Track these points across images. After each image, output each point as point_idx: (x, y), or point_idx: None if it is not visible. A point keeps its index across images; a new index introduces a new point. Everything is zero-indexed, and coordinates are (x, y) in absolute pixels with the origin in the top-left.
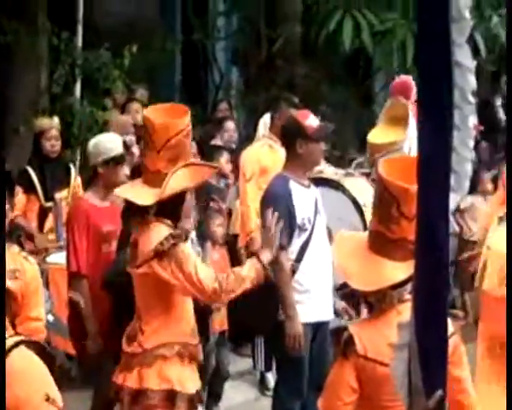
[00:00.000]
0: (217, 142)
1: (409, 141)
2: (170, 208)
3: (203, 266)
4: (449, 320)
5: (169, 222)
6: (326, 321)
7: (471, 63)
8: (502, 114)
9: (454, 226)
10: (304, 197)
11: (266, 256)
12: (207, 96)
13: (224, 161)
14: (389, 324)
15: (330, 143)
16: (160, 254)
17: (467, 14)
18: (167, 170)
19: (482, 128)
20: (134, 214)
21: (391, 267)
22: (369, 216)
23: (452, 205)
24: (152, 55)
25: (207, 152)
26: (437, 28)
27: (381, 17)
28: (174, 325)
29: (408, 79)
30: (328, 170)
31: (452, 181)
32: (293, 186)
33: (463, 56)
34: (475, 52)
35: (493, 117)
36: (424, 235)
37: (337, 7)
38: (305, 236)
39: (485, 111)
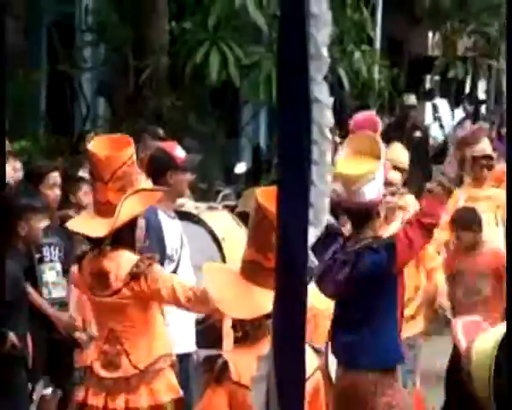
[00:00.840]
0: (84, 173)
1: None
2: (124, 235)
3: (179, 280)
4: (314, 356)
5: (127, 248)
6: (188, 353)
7: (328, 100)
8: None
9: (313, 259)
10: (171, 228)
11: None
12: (74, 127)
13: (81, 193)
14: (262, 352)
15: (197, 174)
16: (137, 276)
17: (324, 52)
18: (117, 200)
19: None
20: (92, 246)
21: (266, 296)
22: (227, 250)
23: (311, 238)
24: (17, 86)
25: (69, 183)
26: (296, 65)
27: (247, 50)
28: (158, 339)
29: (372, 114)
30: (189, 204)
31: (311, 215)
32: (162, 217)
33: (321, 93)
34: (340, 86)
35: None
36: (283, 267)
37: (204, 39)
38: (172, 267)
39: None
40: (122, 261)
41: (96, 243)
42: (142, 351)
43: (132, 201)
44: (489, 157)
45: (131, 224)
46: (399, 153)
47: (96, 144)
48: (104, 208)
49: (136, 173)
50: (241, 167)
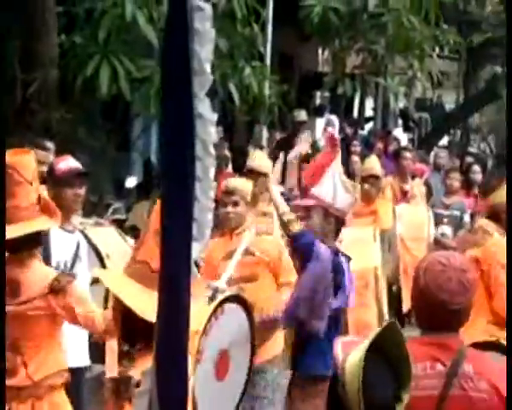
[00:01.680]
0: None
1: None
2: (33, 244)
3: (94, 306)
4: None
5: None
6: (81, 367)
7: (212, 116)
8: None
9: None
10: (62, 241)
11: None
12: None
13: None
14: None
15: (87, 188)
16: (56, 290)
17: (208, 69)
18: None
19: (237, 176)
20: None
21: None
22: (110, 266)
23: (195, 253)
24: None
25: None
26: (180, 80)
27: (138, 64)
28: (58, 353)
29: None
30: (74, 219)
31: (194, 230)
32: (54, 229)
33: (205, 109)
34: (230, 102)
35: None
36: (166, 281)
37: (94, 53)
38: None
39: (240, 159)
40: (36, 272)
41: (11, 250)
42: (41, 363)
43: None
44: (375, 177)
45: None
46: (374, 163)
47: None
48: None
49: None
50: (131, 181)
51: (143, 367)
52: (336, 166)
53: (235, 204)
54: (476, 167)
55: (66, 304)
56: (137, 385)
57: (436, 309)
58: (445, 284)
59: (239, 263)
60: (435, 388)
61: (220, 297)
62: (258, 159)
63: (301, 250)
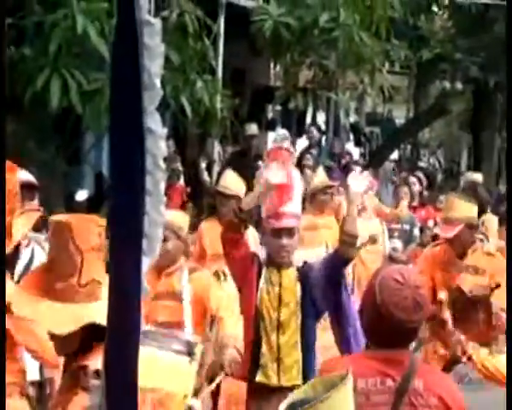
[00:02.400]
0: None
1: None
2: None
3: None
4: None
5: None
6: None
7: (162, 130)
8: (206, 176)
9: (146, 286)
10: (16, 254)
11: None
12: None
13: None
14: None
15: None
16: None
17: (158, 83)
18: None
19: (189, 190)
20: None
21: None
22: None
23: (145, 268)
24: None
25: None
26: (128, 95)
27: (89, 77)
28: (15, 362)
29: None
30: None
31: (144, 245)
32: None
33: (155, 124)
34: (182, 115)
35: (199, 179)
36: (116, 297)
37: (44, 65)
38: None
39: (191, 172)
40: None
41: None
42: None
43: (20, 221)
44: (330, 187)
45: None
46: (324, 175)
47: None
48: None
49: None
50: (82, 195)
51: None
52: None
53: (165, 239)
54: (412, 179)
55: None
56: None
57: (391, 327)
58: (401, 302)
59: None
60: (385, 404)
61: None
62: (229, 180)
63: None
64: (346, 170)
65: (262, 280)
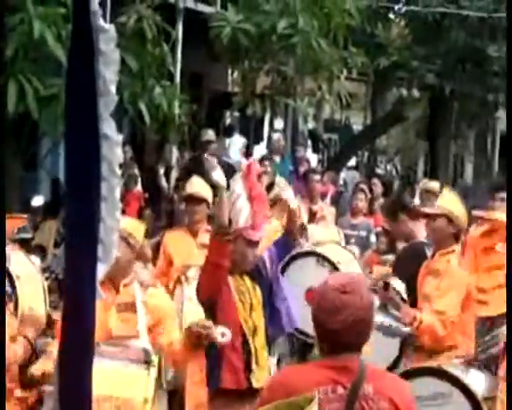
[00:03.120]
0: None
1: None
2: None
3: None
4: None
5: None
6: None
7: (117, 137)
8: (164, 182)
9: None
10: None
11: None
12: None
13: None
14: None
15: None
16: None
17: (113, 89)
18: None
19: (147, 195)
20: None
21: None
22: (20, 287)
23: (100, 274)
24: None
25: None
26: (84, 101)
27: (46, 82)
28: None
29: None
30: None
31: (100, 251)
32: None
33: (110, 130)
34: (141, 121)
35: (157, 184)
36: (71, 303)
37: (1, 70)
38: None
39: (149, 178)
40: None
41: None
42: None
43: None
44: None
45: None
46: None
47: None
48: None
49: None
50: (38, 200)
51: None
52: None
53: None
54: (362, 186)
55: None
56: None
57: (319, 330)
58: (322, 303)
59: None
60: None
61: None
62: (197, 185)
63: None
64: (305, 177)
65: (232, 289)
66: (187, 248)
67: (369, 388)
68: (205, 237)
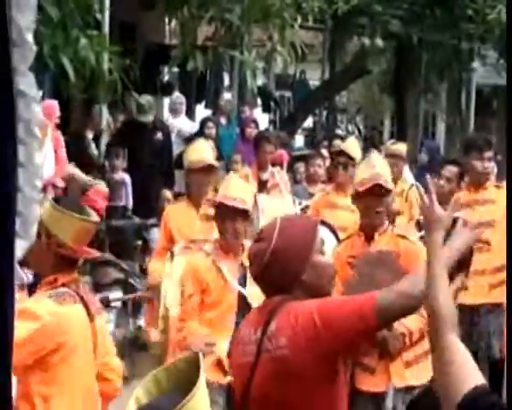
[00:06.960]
0: None
1: None
2: None
3: None
4: None
5: None
6: None
7: (36, 93)
8: (94, 149)
9: (22, 275)
10: None
11: None
12: None
13: None
14: None
15: None
16: None
17: (30, 38)
18: None
19: (74, 163)
20: None
21: None
22: None
23: (19, 253)
24: None
25: None
26: None
27: None
28: None
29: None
30: None
31: (18, 226)
32: None
33: (28, 85)
34: (64, 77)
35: (85, 150)
36: None
37: None
38: None
39: (76, 144)
40: None
41: None
42: None
43: None
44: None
45: None
46: (353, 147)
47: None
48: None
49: None
50: None
51: None
52: None
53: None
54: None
55: None
56: None
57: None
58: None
59: None
60: (252, 354)
61: None
62: (205, 151)
63: None
64: (255, 143)
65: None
66: (189, 222)
67: (272, 326)
68: (207, 208)
